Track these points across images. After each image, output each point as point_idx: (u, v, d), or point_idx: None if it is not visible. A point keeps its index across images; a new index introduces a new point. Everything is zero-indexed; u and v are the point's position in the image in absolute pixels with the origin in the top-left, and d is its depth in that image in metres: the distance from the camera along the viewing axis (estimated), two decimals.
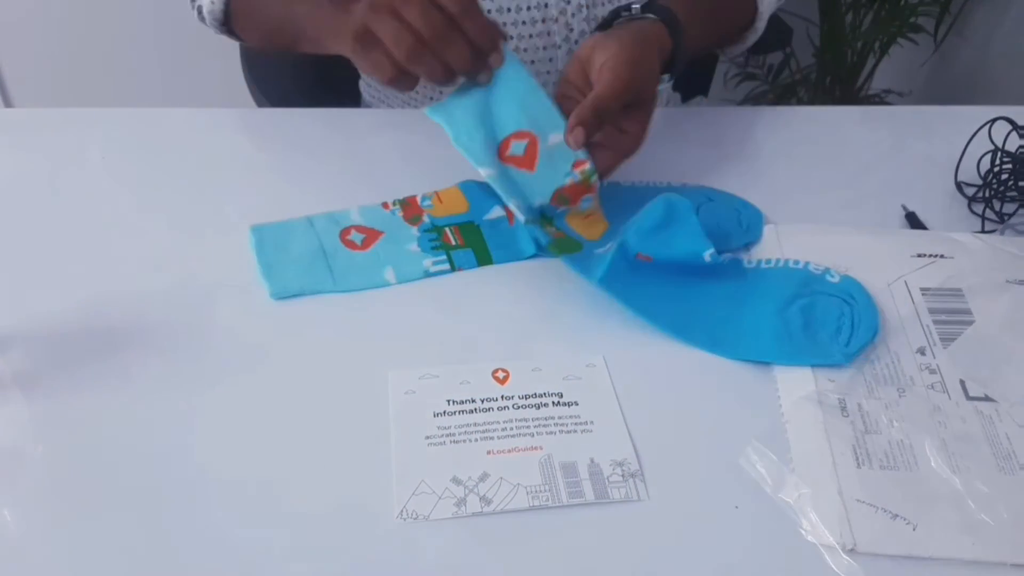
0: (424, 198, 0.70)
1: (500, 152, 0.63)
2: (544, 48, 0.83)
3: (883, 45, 1.73)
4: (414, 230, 0.67)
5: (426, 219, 0.68)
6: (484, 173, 0.62)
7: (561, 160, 0.64)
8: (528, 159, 0.63)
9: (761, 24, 0.82)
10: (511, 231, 0.67)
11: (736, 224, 0.68)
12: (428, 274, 0.64)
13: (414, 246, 0.66)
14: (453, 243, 0.66)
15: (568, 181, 0.64)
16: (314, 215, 0.68)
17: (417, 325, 0.60)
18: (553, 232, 0.64)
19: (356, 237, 0.66)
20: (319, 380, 0.55)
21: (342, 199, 0.71)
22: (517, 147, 0.63)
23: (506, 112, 0.63)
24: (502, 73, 0.63)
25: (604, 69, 0.63)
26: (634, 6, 0.70)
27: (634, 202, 0.66)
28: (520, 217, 0.62)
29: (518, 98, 0.63)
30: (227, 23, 0.83)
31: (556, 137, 0.63)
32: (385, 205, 0.69)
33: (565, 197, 0.65)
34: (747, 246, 0.66)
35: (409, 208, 0.69)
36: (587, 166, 0.64)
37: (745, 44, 0.84)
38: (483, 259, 0.65)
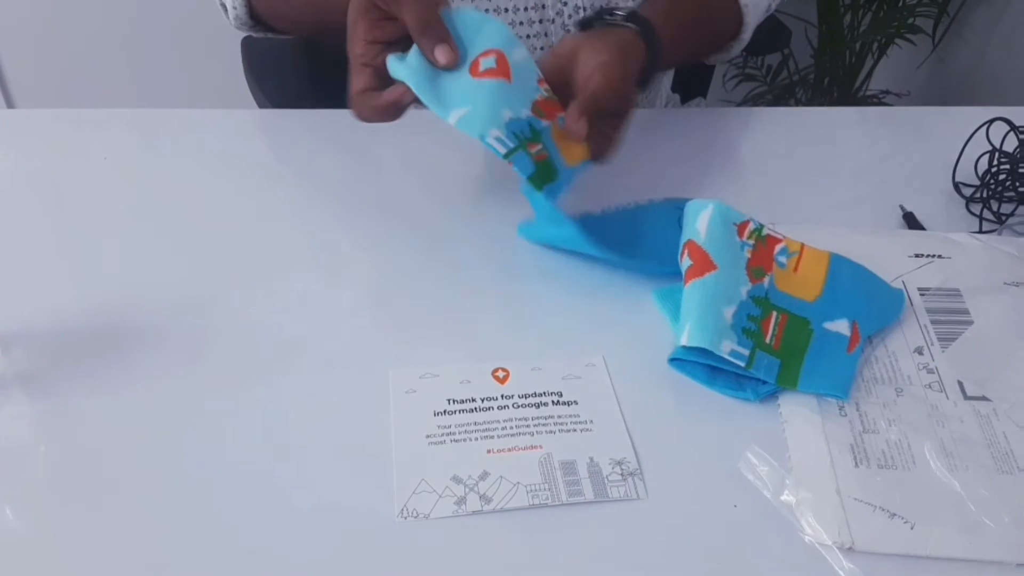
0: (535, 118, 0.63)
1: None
2: (541, 48, 0.83)
3: (881, 46, 1.73)
4: (526, 110, 0.62)
5: (534, 116, 0.63)
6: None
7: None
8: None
9: (746, 35, 0.82)
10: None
11: None
12: (485, 142, 0.59)
13: (508, 114, 0.61)
14: (532, 152, 0.61)
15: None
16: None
17: (417, 324, 0.60)
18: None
19: (487, 63, 0.62)
20: (320, 379, 0.56)
21: (343, 200, 0.71)
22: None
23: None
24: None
25: (597, 72, 0.63)
26: (618, 12, 0.69)
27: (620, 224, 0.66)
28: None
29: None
30: (254, 21, 0.84)
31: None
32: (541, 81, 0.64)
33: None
34: None
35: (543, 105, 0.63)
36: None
37: (730, 54, 0.84)
38: (542, 178, 0.61)
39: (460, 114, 0.60)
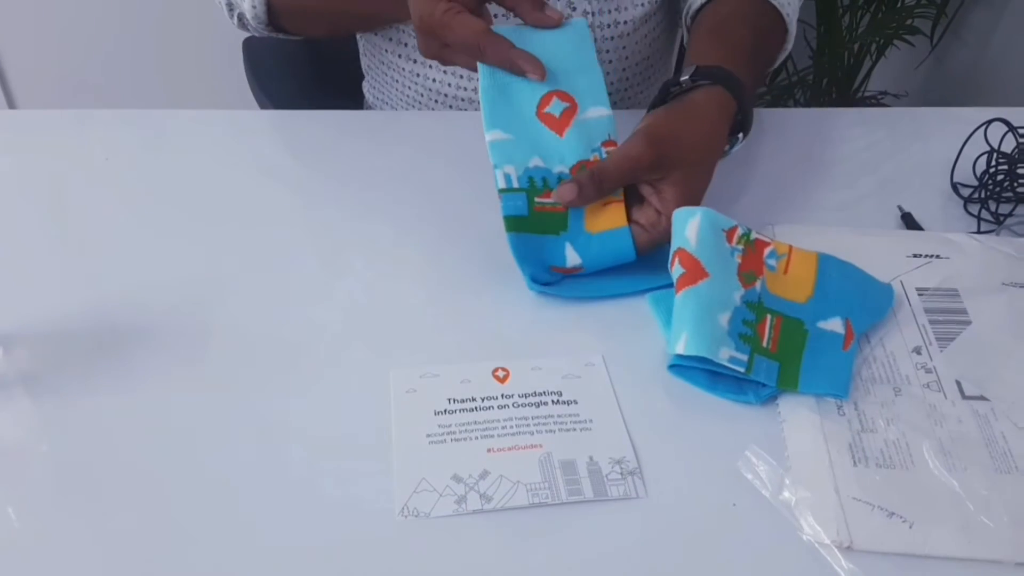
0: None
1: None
2: None
3: (879, 47, 1.74)
4: (565, 167, 0.63)
5: (570, 173, 0.63)
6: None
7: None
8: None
9: (790, 43, 0.80)
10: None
11: None
12: (495, 170, 0.62)
13: (536, 161, 0.62)
14: (540, 201, 0.62)
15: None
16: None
17: (418, 324, 0.60)
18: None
19: (556, 107, 0.63)
20: (320, 379, 0.56)
21: (344, 200, 0.71)
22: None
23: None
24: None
25: (629, 139, 0.62)
26: (683, 79, 0.66)
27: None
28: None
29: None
30: (272, 23, 0.84)
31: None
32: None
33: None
34: None
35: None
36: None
37: (778, 61, 0.83)
38: (537, 225, 0.61)
39: (498, 137, 0.61)
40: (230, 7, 0.84)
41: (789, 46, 0.81)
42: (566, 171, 0.63)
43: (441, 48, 0.63)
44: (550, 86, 0.63)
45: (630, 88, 0.90)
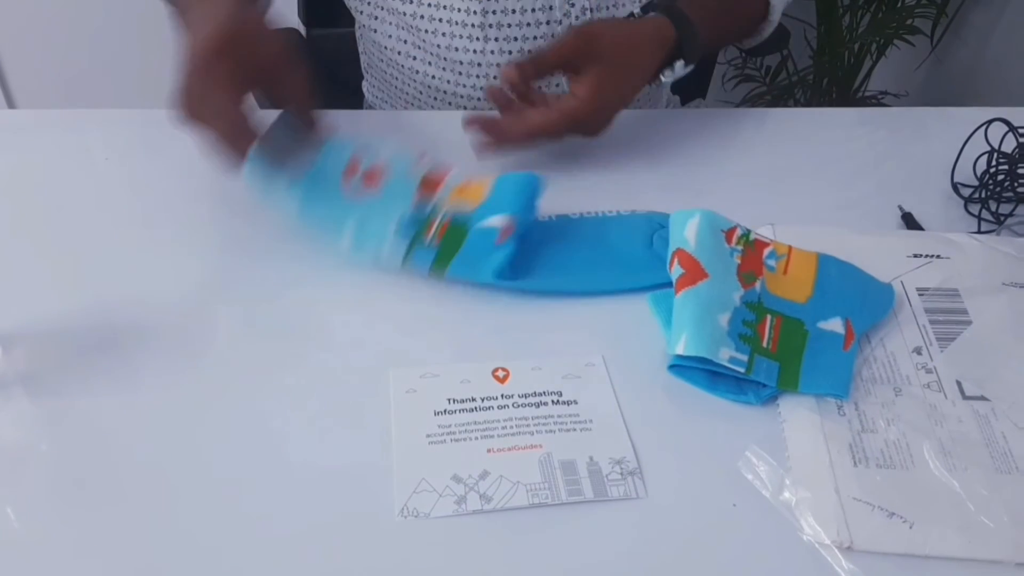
0: (449, 182, 0.64)
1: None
2: None
3: (880, 47, 1.74)
4: (410, 207, 0.62)
5: (433, 201, 0.63)
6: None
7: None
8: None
9: (775, 16, 0.83)
10: (490, 249, 0.61)
11: None
12: (377, 256, 0.61)
13: (393, 226, 0.61)
14: (428, 238, 0.61)
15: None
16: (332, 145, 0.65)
17: (418, 324, 0.60)
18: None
19: (358, 179, 0.63)
20: (320, 379, 0.56)
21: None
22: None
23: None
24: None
25: (590, 87, 0.68)
26: (635, 12, 0.72)
27: (585, 232, 0.66)
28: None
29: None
30: None
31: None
32: (421, 157, 0.65)
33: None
34: None
35: (428, 183, 0.63)
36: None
37: (762, 36, 0.85)
38: (439, 263, 0.61)
39: (350, 237, 0.61)
40: None
41: (773, 18, 0.84)
42: (408, 210, 0.62)
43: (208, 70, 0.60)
44: (342, 163, 0.63)
45: None
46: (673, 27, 0.72)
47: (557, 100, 0.69)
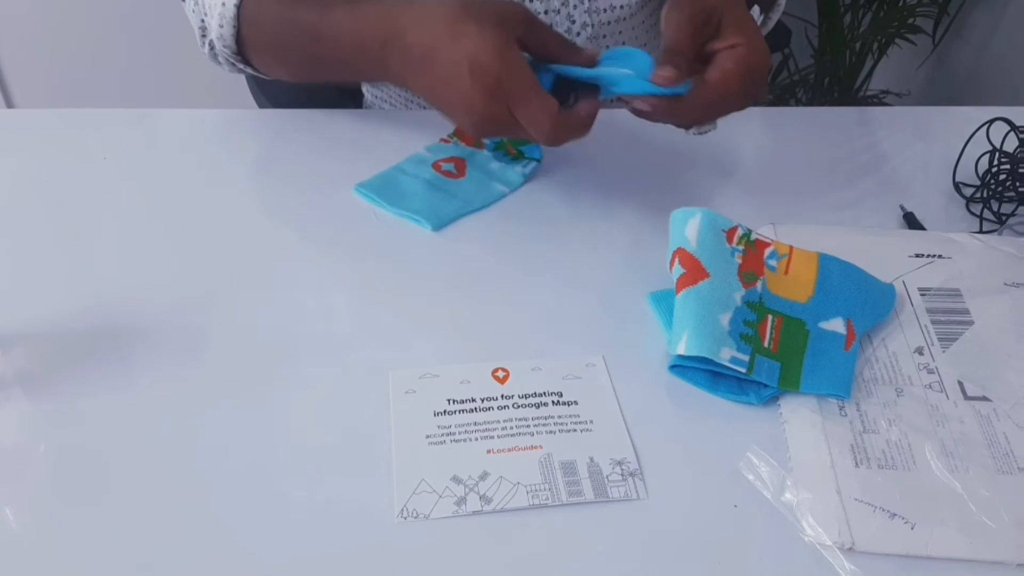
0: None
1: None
2: None
3: (881, 46, 1.73)
4: (484, 152, 0.75)
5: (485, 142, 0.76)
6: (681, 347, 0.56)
7: (725, 245, 0.60)
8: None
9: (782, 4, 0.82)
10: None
11: None
12: (525, 176, 0.73)
13: (494, 163, 0.74)
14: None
15: (742, 251, 0.60)
16: (397, 164, 0.74)
17: (418, 324, 0.60)
18: (772, 332, 0.57)
19: (448, 167, 0.73)
20: (320, 379, 0.56)
21: (343, 200, 0.71)
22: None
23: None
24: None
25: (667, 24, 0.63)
26: None
27: None
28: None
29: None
30: (242, 54, 0.75)
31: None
32: (444, 140, 0.77)
33: (750, 264, 0.60)
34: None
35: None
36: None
37: (770, 23, 0.83)
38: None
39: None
40: (203, 32, 0.76)
41: (777, 12, 0.82)
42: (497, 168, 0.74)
43: (504, 113, 0.59)
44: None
45: None
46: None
47: (718, 56, 0.62)
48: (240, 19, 0.71)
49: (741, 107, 0.64)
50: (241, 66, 0.76)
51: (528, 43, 0.60)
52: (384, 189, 0.71)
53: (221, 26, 0.72)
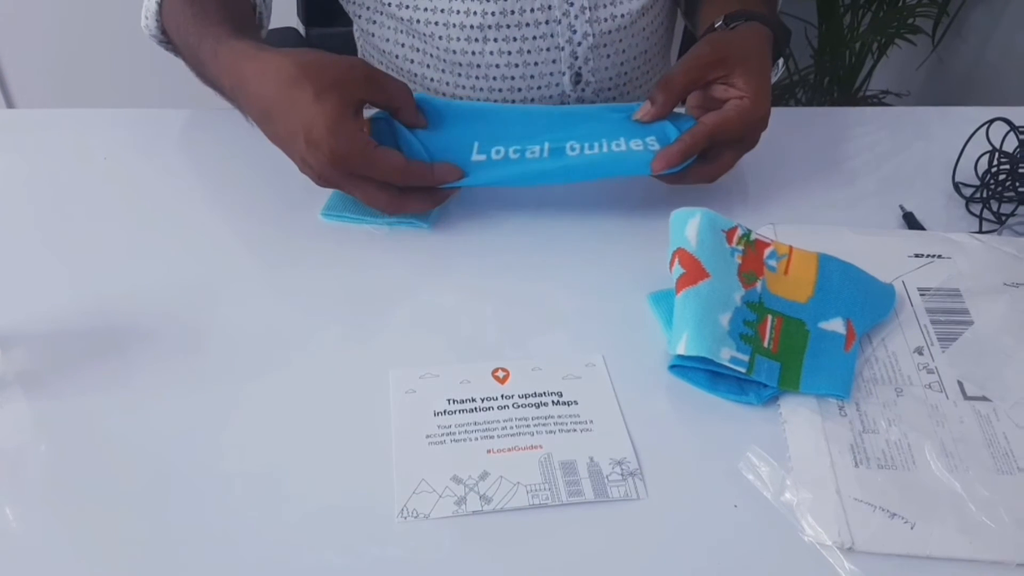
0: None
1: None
2: (548, 49, 0.83)
3: (881, 46, 1.74)
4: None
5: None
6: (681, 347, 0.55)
7: (724, 242, 0.61)
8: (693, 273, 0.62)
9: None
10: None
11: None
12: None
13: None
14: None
15: (742, 250, 0.60)
16: None
17: (417, 324, 0.60)
18: (772, 332, 0.57)
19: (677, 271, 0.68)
20: (320, 379, 0.56)
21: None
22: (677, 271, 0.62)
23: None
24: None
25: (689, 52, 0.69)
26: (717, 24, 0.73)
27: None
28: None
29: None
30: (164, 34, 0.78)
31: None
32: None
33: (750, 263, 0.60)
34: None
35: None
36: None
37: (779, 70, 0.86)
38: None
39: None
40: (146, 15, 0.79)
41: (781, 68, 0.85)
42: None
43: (345, 178, 0.62)
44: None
45: (628, 83, 0.90)
46: (770, 31, 0.72)
47: (725, 104, 0.67)
48: (161, 16, 0.76)
49: (736, 154, 0.69)
50: (174, 55, 0.79)
51: (373, 98, 0.63)
52: (352, 204, 0.68)
53: (147, 18, 0.77)
